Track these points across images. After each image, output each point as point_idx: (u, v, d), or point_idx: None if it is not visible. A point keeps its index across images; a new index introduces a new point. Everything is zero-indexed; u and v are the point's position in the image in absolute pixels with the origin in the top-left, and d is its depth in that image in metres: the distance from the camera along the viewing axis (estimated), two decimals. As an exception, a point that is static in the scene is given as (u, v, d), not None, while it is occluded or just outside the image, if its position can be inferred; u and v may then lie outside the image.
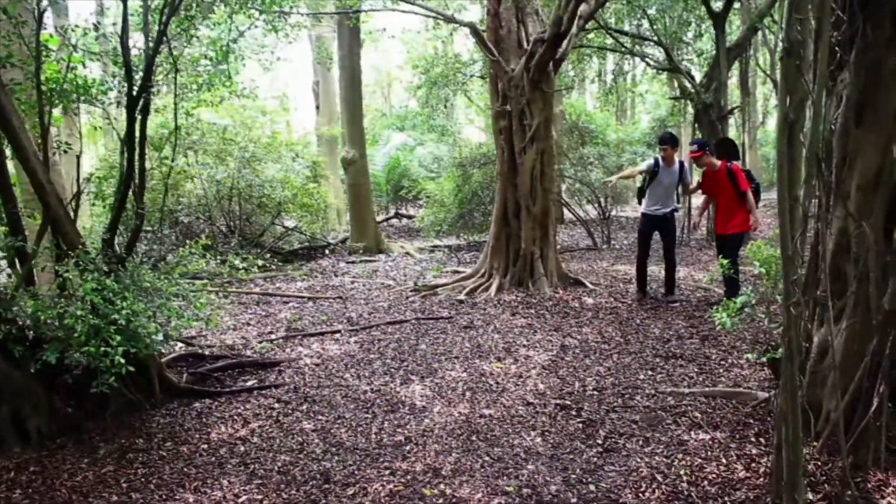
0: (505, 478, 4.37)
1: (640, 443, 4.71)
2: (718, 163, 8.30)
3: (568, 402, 5.54)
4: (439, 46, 20.03)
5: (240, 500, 4.29)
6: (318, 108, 20.86)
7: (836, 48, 3.89)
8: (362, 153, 15.76)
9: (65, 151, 6.39)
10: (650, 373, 6.11)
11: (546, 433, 5.01)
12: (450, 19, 10.02)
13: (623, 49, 12.43)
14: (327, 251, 15.99)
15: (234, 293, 11.21)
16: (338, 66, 15.59)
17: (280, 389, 6.34)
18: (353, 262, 14.48)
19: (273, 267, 14.13)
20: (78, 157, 5.98)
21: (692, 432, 4.79)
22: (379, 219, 20.24)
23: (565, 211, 17.46)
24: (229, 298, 10.80)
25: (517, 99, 9.16)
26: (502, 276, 9.80)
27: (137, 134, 5.53)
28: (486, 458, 4.67)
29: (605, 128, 17.44)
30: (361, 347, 7.67)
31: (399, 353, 7.35)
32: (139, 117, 5.50)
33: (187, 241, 6.51)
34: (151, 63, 5.36)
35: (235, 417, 5.68)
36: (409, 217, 21.61)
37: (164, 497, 4.38)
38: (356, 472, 4.60)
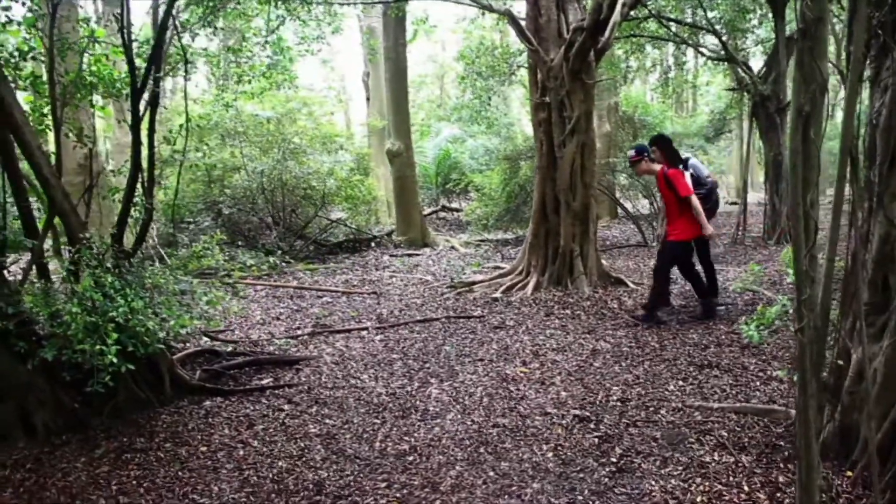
0: (506, 497, 4.08)
1: (658, 463, 4.34)
2: (658, 168, 7.69)
3: (588, 414, 5.19)
4: (495, 37, 19.65)
5: (226, 510, 4.09)
6: (368, 99, 20.72)
7: (879, 31, 3.46)
8: (408, 145, 15.54)
9: (85, 145, 6.29)
10: (681, 383, 5.71)
11: (559, 447, 4.68)
12: (485, 7, 9.66)
13: (676, 38, 11.88)
14: (372, 244, 15.83)
15: (271, 286, 11.11)
16: (383, 57, 15.38)
17: (293, 389, 6.15)
18: (395, 256, 14.28)
19: (315, 259, 14.06)
20: (90, 150, 5.85)
21: (715, 453, 4.40)
22: (427, 211, 20.04)
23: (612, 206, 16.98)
24: (263, 292, 10.71)
25: (556, 90, 8.78)
26: (540, 275, 9.46)
27: (146, 126, 5.36)
28: (491, 474, 4.38)
29: (661, 120, 16.85)
30: (385, 346, 7.44)
31: (422, 353, 7.09)
32: (148, 110, 5.33)
33: (208, 235, 6.35)
34: (158, 54, 5.18)
35: (241, 419, 5.50)
36: (456, 210, 21.33)
37: (150, 502, 4.21)
38: (352, 483, 4.36)
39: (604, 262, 10.60)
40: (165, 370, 5.86)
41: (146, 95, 5.45)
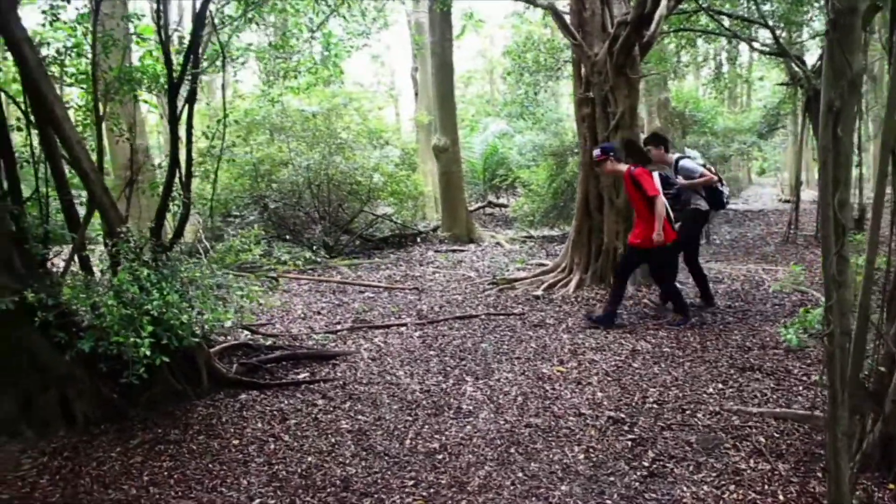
0: (533, 498, 4.01)
1: (691, 468, 4.23)
2: (623, 168, 7.42)
3: (622, 415, 5.09)
4: (544, 32, 19.49)
5: (253, 504, 4.10)
6: (416, 94, 20.72)
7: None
8: (454, 140, 15.50)
9: (127, 139, 6.38)
10: (720, 386, 5.56)
11: (591, 449, 4.59)
12: (529, 1, 9.54)
13: (727, 32, 11.59)
14: (418, 239, 15.83)
15: (314, 281, 11.18)
16: (429, 52, 15.35)
17: (329, 384, 6.16)
18: (440, 252, 14.26)
19: (360, 254, 14.11)
20: (132, 146, 5.93)
21: (751, 460, 4.27)
22: (473, 207, 19.97)
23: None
24: (306, 286, 10.79)
25: (600, 85, 8.64)
26: (583, 272, 9.33)
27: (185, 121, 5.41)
28: (520, 475, 4.32)
29: (712, 116, 16.52)
30: (423, 342, 7.41)
31: (460, 350, 7.05)
32: (186, 105, 5.38)
33: (246, 229, 6.39)
34: (195, 50, 5.22)
35: (275, 413, 5.53)
36: (503, 206, 21.21)
37: (179, 493, 4.26)
38: (379, 480, 4.34)
39: (648, 260, 10.42)
40: (202, 363, 5.92)
41: (186, 91, 5.50)
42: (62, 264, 5.76)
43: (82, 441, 5.04)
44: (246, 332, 7.80)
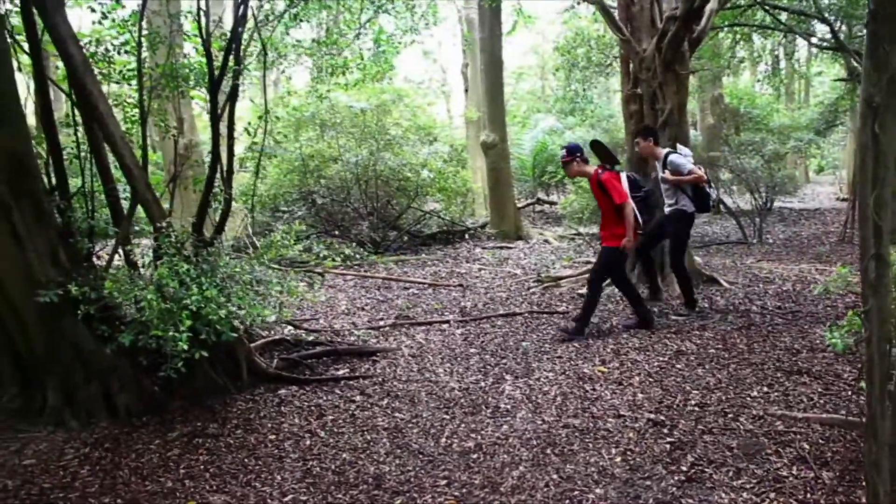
0: (567, 501, 3.95)
1: (731, 474, 4.11)
2: (591, 170, 7.22)
3: (662, 418, 4.98)
4: (597, 28, 19.27)
5: (284, 500, 4.13)
6: (466, 90, 20.68)
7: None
8: (503, 137, 15.42)
9: (173, 136, 6.48)
10: (765, 389, 5.41)
11: (628, 452, 4.50)
12: (575, -5, 9.44)
13: (783, 27, 11.28)
14: (466, 236, 15.79)
15: (360, 276, 11.23)
16: (478, 48, 15.29)
17: (368, 381, 6.17)
18: (487, 249, 14.20)
19: (408, 251, 14.14)
20: (175, 142, 6.01)
21: (794, 467, 4.13)
22: (522, 204, 19.85)
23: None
24: (351, 282, 10.83)
25: (648, 81, 8.47)
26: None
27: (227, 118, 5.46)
28: (554, 476, 4.25)
29: (768, 112, 16.12)
30: (465, 340, 7.38)
31: (501, 348, 6.99)
32: (228, 102, 5.43)
33: (285, 225, 6.43)
34: (237, 46, 5.26)
35: (312, 408, 5.55)
36: (552, 203, 21.03)
37: (214, 487, 4.30)
38: (412, 479, 4.32)
39: (698, 259, 10.24)
40: (243, 358, 5.98)
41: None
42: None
43: (123, 432, 5.12)
44: (289, 328, 7.87)
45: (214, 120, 5.36)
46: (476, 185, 18.45)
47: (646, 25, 8.50)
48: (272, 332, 7.24)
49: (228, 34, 5.36)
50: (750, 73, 23.10)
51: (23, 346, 5.30)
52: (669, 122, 8.45)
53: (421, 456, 4.64)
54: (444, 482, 4.26)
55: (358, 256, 12.56)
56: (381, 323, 8.21)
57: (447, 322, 8.14)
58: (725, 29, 12.36)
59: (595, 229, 15.77)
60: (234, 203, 11.80)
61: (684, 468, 4.23)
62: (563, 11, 15.54)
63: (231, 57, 5.25)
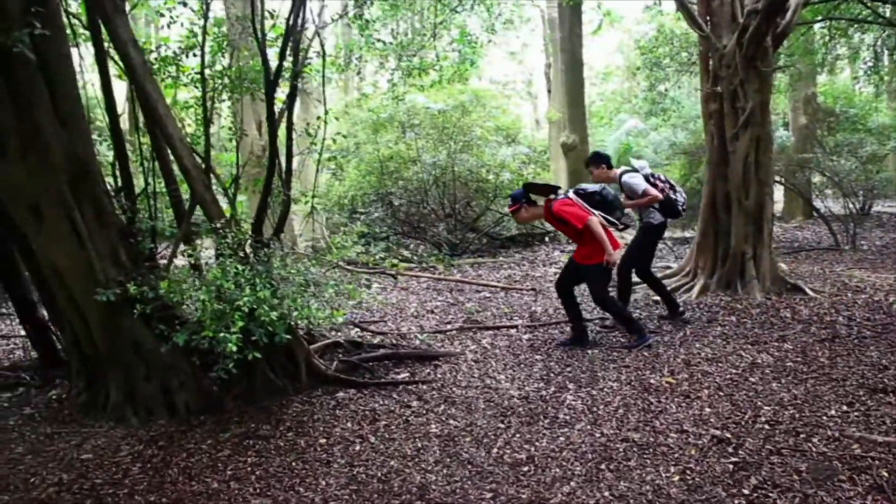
0: (616, 522, 3.74)
1: (797, 501, 3.80)
2: (541, 210, 7.00)
3: (728, 435, 4.69)
4: (683, 25, 18.74)
5: (325, 507, 4.05)
6: (549, 91, 20.41)
7: None
8: (583, 138, 15.14)
9: (240, 138, 6.53)
10: (844, 408, 5.03)
11: (687, 471, 4.25)
12: (652, -9, 9.11)
13: (881, 20, 10.64)
14: (546, 239, 15.57)
15: (433, 279, 11.17)
16: (559, 48, 15.04)
17: (426, 386, 6.07)
18: (565, 252, 13.94)
19: (485, 253, 14.01)
20: (237, 144, 6.06)
21: (869, 497, 3.79)
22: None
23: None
24: (424, 285, 10.78)
25: (729, 79, 8.09)
26: (707, 277, 8.81)
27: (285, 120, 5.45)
28: (606, 494, 4.04)
29: (866, 112, 15.28)
30: (531, 346, 7.20)
31: (567, 355, 6.79)
32: (287, 103, 5.42)
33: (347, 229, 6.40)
34: (294, 47, 5.24)
35: (367, 413, 5.48)
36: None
37: (258, 490, 4.27)
38: (457, 490, 4.18)
39: (783, 266, 9.74)
40: (301, 359, 5.97)
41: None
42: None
43: (179, 431, 5.17)
44: (355, 330, 7.86)
45: (271, 122, 5.36)
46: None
47: (726, 20, 8.13)
48: (337, 334, 7.23)
49: (287, 35, 5.35)
50: (850, 70, 22.03)
51: (86, 344, 5.43)
52: (751, 121, 8.06)
53: (470, 466, 4.50)
54: (489, 495, 4.11)
55: (416, 258, 12.51)
56: (448, 326, 8.10)
57: (515, 327, 7.97)
58: (818, 23, 11.74)
59: (679, 233, 15.37)
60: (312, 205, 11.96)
61: (746, 491, 3.95)
62: (646, 9, 15.13)
63: (288, 59, 5.23)
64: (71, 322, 5.36)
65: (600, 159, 7.72)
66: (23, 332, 7.10)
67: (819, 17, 11.15)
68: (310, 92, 10.69)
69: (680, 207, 7.59)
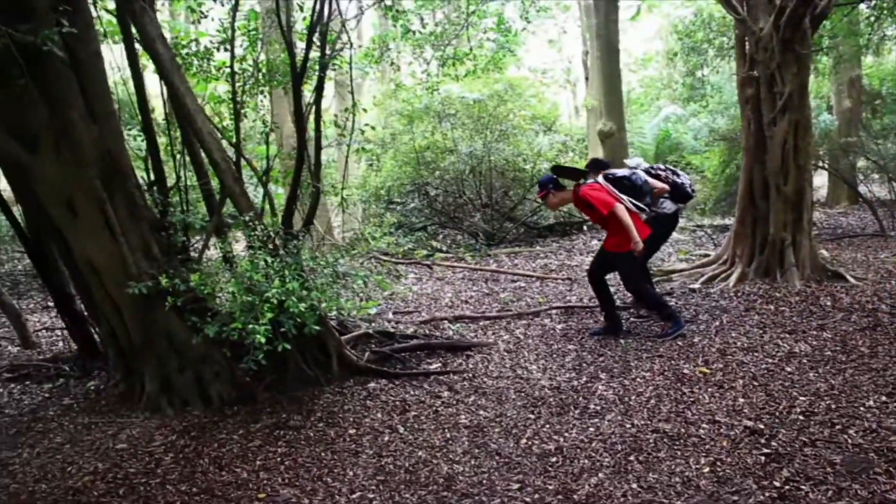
0: (643, 513, 3.70)
1: (830, 494, 3.73)
2: (569, 195, 6.87)
3: (761, 426, 4.61)
4: (719, 9, 18.39)
5: (352, 497, 4.09)
6: (587, 79, 20.22)
7: None
8: (620, 126, 14.95)
9: (271, 131, 6.58)
10: (883, 399, 4.90)
11: (718, 463, 4.18)
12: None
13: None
14: (584, 227, 15.44)
15: (469, 269, 11.15)
16: (595, 34, 14.87)
17: (458, 376, 6.07)
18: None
19: (522, 242, 13.95)
20: (267, 136, 6.10)
21: (905, 489, 3.71)
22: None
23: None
24: (459, 275, 10.78)
25: (766, 63, 7.90)
26: (745, 265, 8.64)
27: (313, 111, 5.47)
28: (634, 486, 4.00)
29: (916, 94, 14.86)
30: (564, 335, 7.15)
31: (600, 344, 6.73)
32: (314, 95, 5.44)
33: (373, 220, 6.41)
34: (322, 39, 5.25)
35: (397, 403, 5.50)
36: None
37: (286, 481, 4.32)
38: (484, 480, 4.18)
39: (825, 253, 9.53)
40: (333, 350, 6.00)
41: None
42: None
43: (212, 421, 5.25)
44: (388, 320, 7.89)
45: (298, 114, 5.39)
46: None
47: (762, 3, 7.93)
48: (370, 325, 7.26)
49: (312, 27, 5.36)
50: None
51: (122, 335, 5.52)
52: (789, 105, 7.88)
53: (498, 457, 4.49)
54: (516, 486, 4.09)
55: (444, 249, 12.48)
56: (482, 316, 8.08)
57: (549, 316, 7.92)
58: (863, 4, 11.43)
59: (719, 220, 15.13)
60: (348, 196, 12.01)
61: (777, 484, 3.88)
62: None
63: (315, 51, 5.24)
64: (106, 314, 5.46)
65: (599, 166, 7.46)
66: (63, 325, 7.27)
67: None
68: (346, 84, 10.71)
69: (688, 189, 7.42)
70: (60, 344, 7.88)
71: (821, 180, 17.56)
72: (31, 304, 10.64)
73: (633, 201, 6.72)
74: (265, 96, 6.72)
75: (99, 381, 6.36)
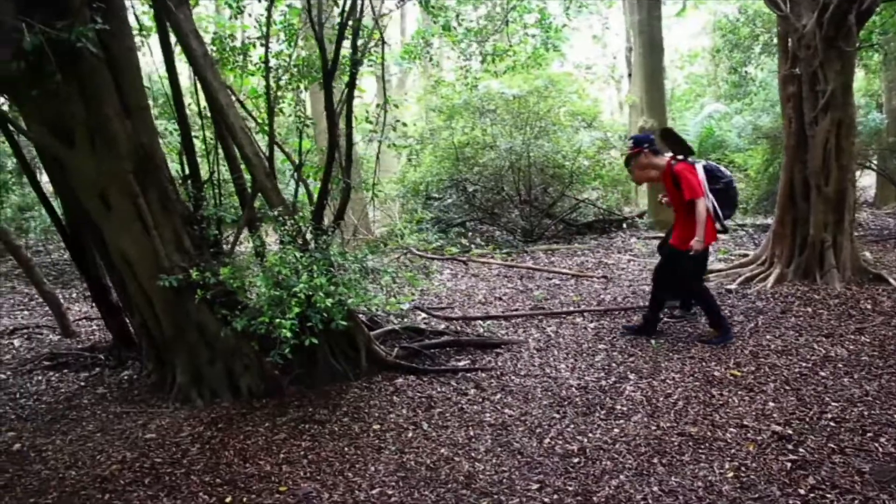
0: (662, 518, 3.66)
1: (856, 503, 3.65)
2: (663, 162, 6.46)
3: (789, 432, 4.52)
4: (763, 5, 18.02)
5: (371, 492, 4.11)
6: (629, 75, 19.95)
7: None
8: (662, 122, 14.74)
9: (305, 125, 6.63)
10: (919, 407, 4.79)
11: (742, 468, 4.12)
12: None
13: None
14: (624, 225, 15.29)
15: (505, 266, 11.12)
16: (637, 31, 14.67)
17: (486, 374, 6.06)
18: (640, 239, 13.67)
19: (560, 239, 13.88)
20: (300, 132, 6.15)
21: (936, 501, 3.61)
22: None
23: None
24: (495, 271, 10.76)
25: (808, 60, 7.73)
26: (784, 266, 8.48)
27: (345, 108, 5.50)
28: (655, 490, 3.96)
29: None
30: (596, 334, 7.09)
31: (631, 344, 6.66)
32: (347, 91, 5.47)
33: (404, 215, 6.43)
34: (353, 36, 5.27)
35: (423, 399, 5.51)
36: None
37: (307, 474, 4.36)
38: (504, 480, 4.17)
39: (868, 254, 9.31)
40: (362, 345, 6.04)
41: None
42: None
43: (239, 413, 5.32)
44: (422, 316, 7.90)
45: (330, 110, 5.42)
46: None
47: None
48: (402, 321, 7.28)
49: (343, 24, 5.38)
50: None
51: (154, 327, 5.62)
52: (831, 104, 7.70)
53: (520, 456, 4.48)
54: (536, 486, 4.08)
55: (475, 246, 12.43)
56: (513, 314, 8.05)
57: (582, 315, 7.86)
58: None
59: (761, 219, 14.88)
60: (386, 192, 12.03)
61: (802, 491, 3.81)
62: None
63: (346, 47, 5.27)
64: (139, 306, 5.56)
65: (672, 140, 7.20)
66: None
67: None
68: (386, 80, 10.73)
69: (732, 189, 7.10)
70: (98, 333, 8.05)
71: (869, 180, 17.17)
72: (73, 294, 10.88)
73: (716, 206, 6.53)
74: (302, 91, 6.75)
75: (132, 371, 6.49)
